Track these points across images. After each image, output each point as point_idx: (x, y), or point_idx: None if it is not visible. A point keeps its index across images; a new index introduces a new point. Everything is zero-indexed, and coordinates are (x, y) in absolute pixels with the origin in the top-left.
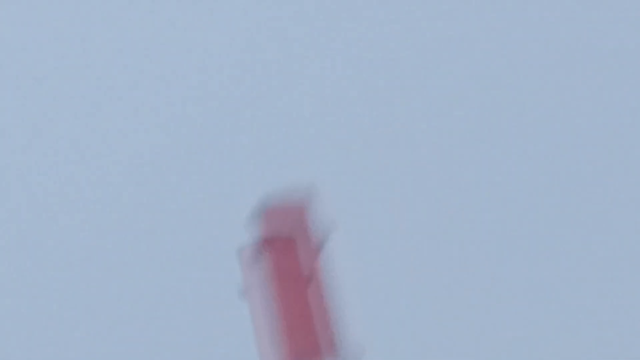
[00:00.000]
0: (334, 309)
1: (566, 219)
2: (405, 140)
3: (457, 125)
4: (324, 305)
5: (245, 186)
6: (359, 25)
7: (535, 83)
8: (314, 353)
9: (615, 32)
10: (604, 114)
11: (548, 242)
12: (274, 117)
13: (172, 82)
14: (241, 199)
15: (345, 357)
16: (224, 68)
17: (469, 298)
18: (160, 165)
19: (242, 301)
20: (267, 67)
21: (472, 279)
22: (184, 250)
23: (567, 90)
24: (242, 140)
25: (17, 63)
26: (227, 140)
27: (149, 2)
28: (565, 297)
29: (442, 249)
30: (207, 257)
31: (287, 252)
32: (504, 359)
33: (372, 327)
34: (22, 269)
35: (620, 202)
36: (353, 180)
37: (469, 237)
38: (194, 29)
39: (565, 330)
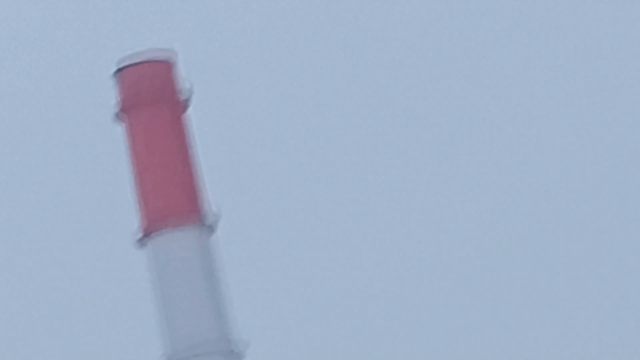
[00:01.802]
0: (195, 172)
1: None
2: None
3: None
4: (186, 168)
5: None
6: None
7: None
8: (174, 214)
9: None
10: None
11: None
12: None
13: None
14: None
15: (205, 222)
16: None
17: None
18: None
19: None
20: None
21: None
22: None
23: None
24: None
25: None
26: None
27: None
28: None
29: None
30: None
31: (148, 114)
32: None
33: (231, 192)
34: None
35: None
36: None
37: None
38: None
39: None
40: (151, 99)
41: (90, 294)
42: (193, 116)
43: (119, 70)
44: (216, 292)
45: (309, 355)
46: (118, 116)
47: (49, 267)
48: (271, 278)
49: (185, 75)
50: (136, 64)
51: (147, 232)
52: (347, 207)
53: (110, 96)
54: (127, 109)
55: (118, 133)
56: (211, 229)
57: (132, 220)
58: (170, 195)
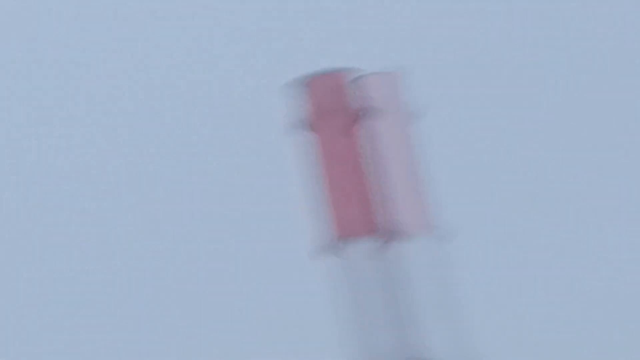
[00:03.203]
0: (384, 187)
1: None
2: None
3: None
4: (374, 183)
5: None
6: None
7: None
8: (362, 229)
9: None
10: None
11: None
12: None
13: None
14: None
15: (393, 235)
16: None
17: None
18: None
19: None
20: None
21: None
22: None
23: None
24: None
25: None
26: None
27: None
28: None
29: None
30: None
31: (335, 124)
32: None
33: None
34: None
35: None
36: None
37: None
38: None
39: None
40: (339, 108)
41: (269, 308)
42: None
43: (305, 79)
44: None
45: None
46: (303, 126)
47: (215, 276)
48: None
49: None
50: (323, 73)
51: (335, 243)
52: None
53: (291, 106)
54: (315, 119)
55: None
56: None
57: (313, 233)
58: (358, 208)
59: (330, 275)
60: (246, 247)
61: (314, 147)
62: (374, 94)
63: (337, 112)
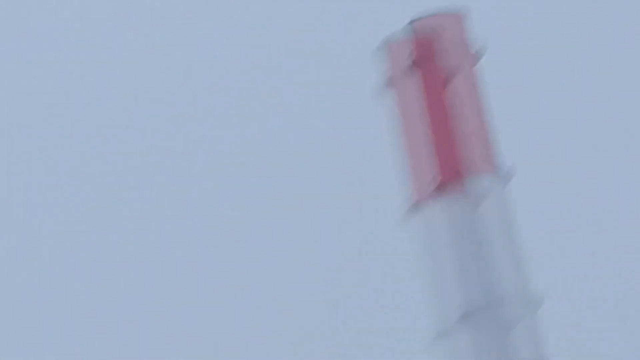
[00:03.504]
0: (487, 128)
1: None
2: None
3: None
4: (460, 130)
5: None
6: None
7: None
8: (455, 175)
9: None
10: None
11: None
12: None
13: None
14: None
15: (489, 180)
16: None
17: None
18: None
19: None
20: None
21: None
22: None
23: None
24: None
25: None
26: None
27: None
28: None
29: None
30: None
31: (437, 68)
32: None
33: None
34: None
35: None
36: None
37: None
38: None
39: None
40: (442, 52)
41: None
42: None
43: (410, 23)
44: (513, 248)
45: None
46: (410, 69)
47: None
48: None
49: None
50: (427, 16)
51: (442, 185)
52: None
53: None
54: (418, 63)
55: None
56: (504, 182)
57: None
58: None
59: (425, 227)
60: (346, 198)
61: (404, 100)
62: (444, 36)
63: (424, 65)
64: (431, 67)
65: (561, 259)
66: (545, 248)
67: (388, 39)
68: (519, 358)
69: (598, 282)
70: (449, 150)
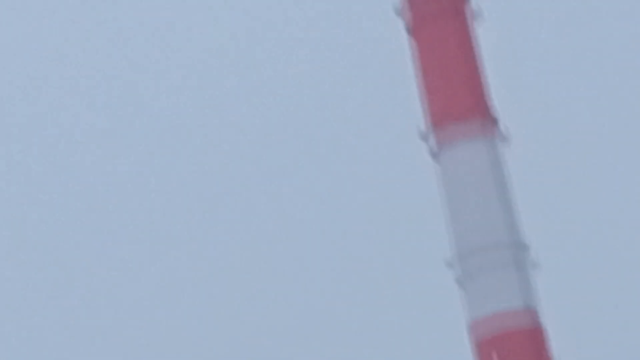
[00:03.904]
0: (483, 75)
1: None
2: None
3: None
4: (473, 69)
5: None
6: None
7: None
8: (464, 112)
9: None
10: None
11: None
12: None
13: None
14: None
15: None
16: None
17: None
18: None
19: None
20: None
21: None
22: None
23: None
24: None
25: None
26: None
27: None
28: None
29: None
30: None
31: (437, 21)
32: None
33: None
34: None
35: None
36: None
37: None
38: None
39: None
40: (443, 4)
41: (377, 206)
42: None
43: None
44: (506, 194)
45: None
46: (407, 27)
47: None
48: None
49: None
50: None
51: (433, 128)
52: None
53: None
54: (415, 18)
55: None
56: (504, 138)
57: (416, 118)
58: (460, 103)
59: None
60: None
61: (421, 44)
62: None
63: (439, 10)
64: (453, 12)
65: (555, 208)
66: (539, 198)
67: None
68: (510, 301)
69: (588, 234)
70: (436, 93)
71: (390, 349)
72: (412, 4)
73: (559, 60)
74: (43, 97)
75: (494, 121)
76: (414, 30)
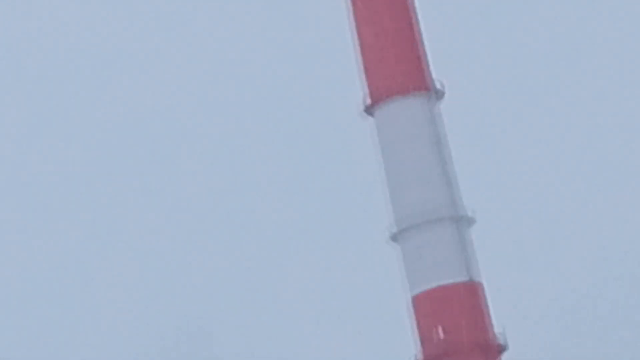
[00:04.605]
0: (421, 43)
1: None
2: None
3: None
4: (412, 38)
5: None
6: None
7: None
8: (400, 81)
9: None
10: None
11: None
12: None
13: None
14: None
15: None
16: None
17: None
18: None
19: None
20: None
21: None
22: None
23: None
24: None
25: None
26: None
27: None
28: None
29: None
30: None
31: None
32: None
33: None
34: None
35: None
36: None
37: None
38: None
39: None
40: None
41: (316, 167)
42: None
43: None
44: (444, 158)
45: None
46: None
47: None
48: (499, 147)
49: None
50: None
51: (374, 100)
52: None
53: None
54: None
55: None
56: (439, 95)
57: (356, 89)
58: (396, 63)
59: (373, 132)
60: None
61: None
62: None
63: None
64: None
65: (491, 177)
66: (477, 166)
67: None
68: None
69: (526, 200)
70: (374, 66)
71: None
72: None
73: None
74: (44, 97)
75: (431, 88)
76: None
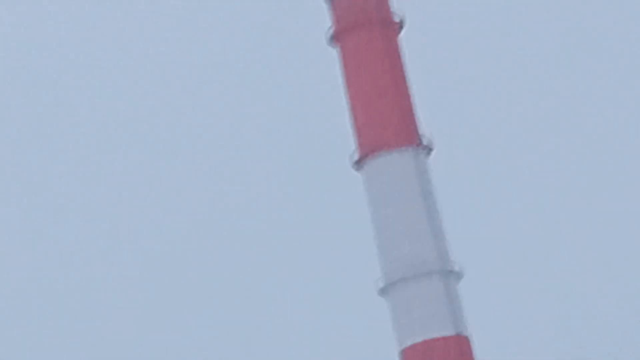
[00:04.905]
0: (408, 96)
1: None
2: None
3: None
4: (400, 91)
5: None
6: None
7: None
8: (389, 136)
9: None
10: None
11: None
12: None
13: None
14: None
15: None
16: None
17: None
18: None
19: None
20: None
21: None
22: None
23: None
24: None
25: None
26: None
27: None
28: None
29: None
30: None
31: (362, 36)
32: None
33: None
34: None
35: None
36: None
37: None
38: None
39: None
40: (364, 21)
41: (311, 216)
42: (406, 40)
43: None
44: (433, 212)
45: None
46: (332, 39)
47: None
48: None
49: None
50: None
51: (362, 155)
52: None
53: (324, 20)
54: (341, 32)
55: (333, 56)
56: (427, 150)
57: (348, 144)
58: (385, 118)
59: (363, 185)
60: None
61: (341, 58)
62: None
63: (363, 25)
64: (351, 36)
65: (481, 231)
66: (468, 220)
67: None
68: (438, 328)
69: (516, 257)
70: (363, 120)
71: None
72: (338, 10)
73: (479, 66)
74: (42, 97)
75: (420, 142)
76: (340, 39)
